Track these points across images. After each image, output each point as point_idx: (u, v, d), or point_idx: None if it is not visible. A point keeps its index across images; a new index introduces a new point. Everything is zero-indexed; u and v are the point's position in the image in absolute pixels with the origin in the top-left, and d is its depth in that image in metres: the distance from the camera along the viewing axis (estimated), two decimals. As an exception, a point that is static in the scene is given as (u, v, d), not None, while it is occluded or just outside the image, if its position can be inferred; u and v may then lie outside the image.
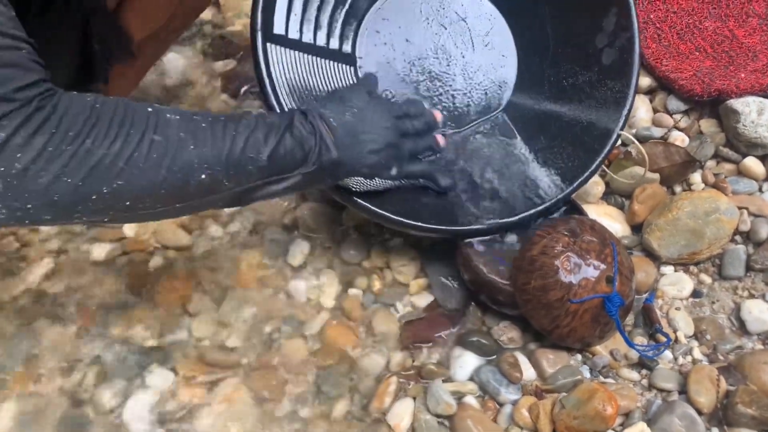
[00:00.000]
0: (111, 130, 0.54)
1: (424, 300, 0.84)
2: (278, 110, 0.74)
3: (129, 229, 0.89)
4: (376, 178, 0.75)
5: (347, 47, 0.84)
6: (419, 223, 0.77)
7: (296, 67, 0.78)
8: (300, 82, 0.77)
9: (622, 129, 0.84)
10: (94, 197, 0.54)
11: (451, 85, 0.89)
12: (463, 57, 0.90)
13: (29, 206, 0.52)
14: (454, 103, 0.89)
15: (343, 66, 0.83)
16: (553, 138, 0.88)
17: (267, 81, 0.74)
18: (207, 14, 1.13)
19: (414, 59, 0.87)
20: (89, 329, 0.80)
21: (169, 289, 0.83)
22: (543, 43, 0.91)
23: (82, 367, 0.77)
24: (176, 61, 1.07)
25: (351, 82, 0.83)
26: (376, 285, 0.85)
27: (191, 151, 0.58)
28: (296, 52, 0.78)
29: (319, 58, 0.81)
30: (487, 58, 0.91)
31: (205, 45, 1.10)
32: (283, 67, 0.76)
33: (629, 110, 0.84)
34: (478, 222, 0.79)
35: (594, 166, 0.83)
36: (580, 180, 0.83)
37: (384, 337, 0.81)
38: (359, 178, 0.73)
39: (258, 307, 0.83)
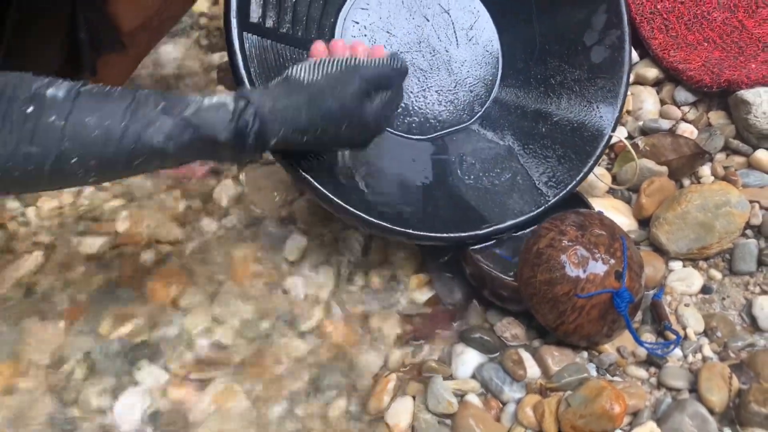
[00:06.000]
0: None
1: (424, 295, 0.81)
2: None
3: (121, 223, 0.86)
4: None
5: (325, 38, 0.81)
6: (408, 230, 0.72)
7: (272, 57, 0.74)
8: (276, 73, 0.73)
9: (613, 131, 0.82)
10: None
11: (435, 81, 0.86)
12: (447, 51, 0.87)
13: None
14: (438, 101, 0.86)
15: None
16: (542, 139, 0.85)
17: (244, 73, 0.69)
18: (203, 6, 1.11)
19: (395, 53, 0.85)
20: (78, 325, 0.77)
21: (161, 284, 0.81)
22: (529, 39, 0.88)
23: (70, 364, 0.75)
24: (171, 53, 1.05)
25: None
26: (375, 280, 0.82)
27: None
28: (272, 42, 0.74)
29: (296, 49, 0.77)
30: (471, 54, 0.88)
31: (201, 36, 1.08)
32: (260, 57, 0.72)
33: (620, 111, 0.82)
34: (467, 230, 0.76)
35: (586, 169, 0.81)
36: (571, 185, 0.80)
37: (383, 333, 0.78)
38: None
39: (253, 303, 0.80)
